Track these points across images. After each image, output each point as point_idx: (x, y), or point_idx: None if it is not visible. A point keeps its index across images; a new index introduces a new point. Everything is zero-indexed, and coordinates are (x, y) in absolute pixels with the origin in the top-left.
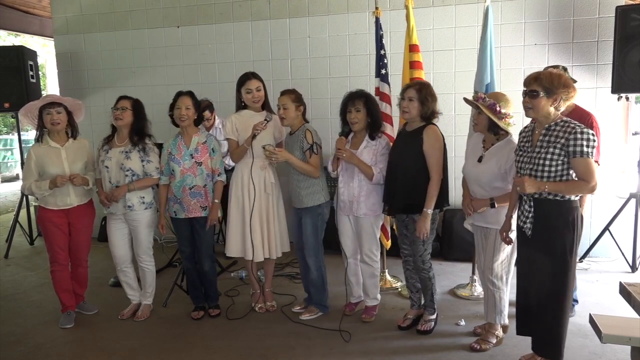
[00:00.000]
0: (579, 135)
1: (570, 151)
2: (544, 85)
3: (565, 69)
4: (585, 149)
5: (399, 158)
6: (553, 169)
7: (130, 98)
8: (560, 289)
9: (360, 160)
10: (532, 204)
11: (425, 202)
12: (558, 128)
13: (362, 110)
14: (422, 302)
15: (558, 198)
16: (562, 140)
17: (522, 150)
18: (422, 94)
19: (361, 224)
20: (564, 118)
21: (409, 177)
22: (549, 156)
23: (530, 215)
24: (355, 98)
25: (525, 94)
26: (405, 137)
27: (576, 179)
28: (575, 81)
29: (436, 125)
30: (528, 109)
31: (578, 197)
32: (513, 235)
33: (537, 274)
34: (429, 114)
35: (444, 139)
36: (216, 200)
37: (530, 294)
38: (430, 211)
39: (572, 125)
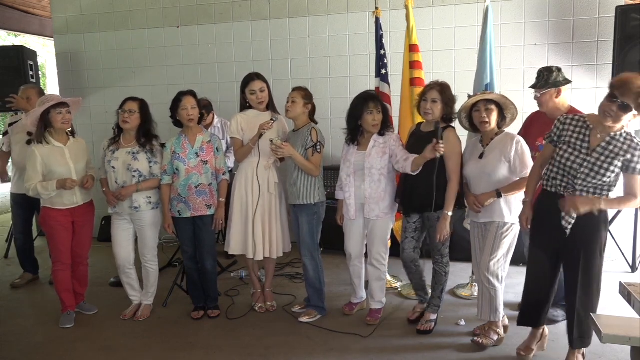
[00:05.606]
0: None
1: (631, 167)
2: (638, 101)
3: (559, 70)
4: None
5: None
6: (613, 177)
7: (136, 99)
8: (596, 285)
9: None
10: None
11: (445, 204)
12: (622, 140)
13: (381, 111)
14: (428, 299)
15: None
16: (628, 156)
17: (573, 148)
18: (445, 95)
19: (373, 227)
20: (625, 129)
21: (429, 177)
22: (612, 167)
23: (573, 216)
24: (375, 99)
25: (614, 103)
26: (423, 138)
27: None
28: (569, 81)
29: (454, 128)
30: (608, 117)
31: None
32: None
33: (570, 271)
34: (450, 115)
35: (460, 142)
36: (221, 199)
37: (543, 292)
38: (450, 213)
39: (636, 141)
